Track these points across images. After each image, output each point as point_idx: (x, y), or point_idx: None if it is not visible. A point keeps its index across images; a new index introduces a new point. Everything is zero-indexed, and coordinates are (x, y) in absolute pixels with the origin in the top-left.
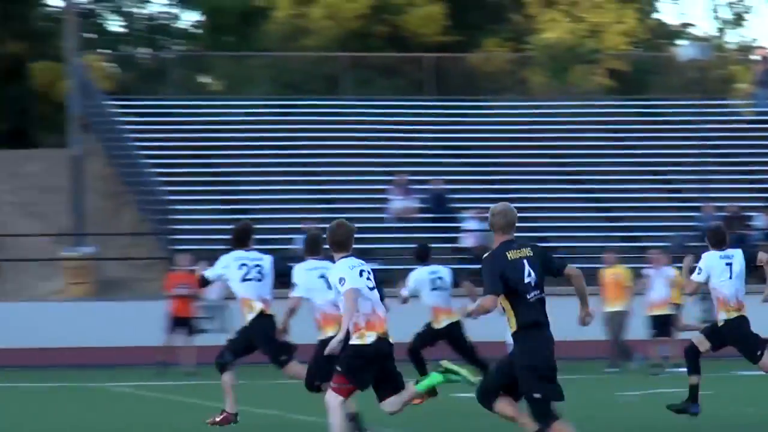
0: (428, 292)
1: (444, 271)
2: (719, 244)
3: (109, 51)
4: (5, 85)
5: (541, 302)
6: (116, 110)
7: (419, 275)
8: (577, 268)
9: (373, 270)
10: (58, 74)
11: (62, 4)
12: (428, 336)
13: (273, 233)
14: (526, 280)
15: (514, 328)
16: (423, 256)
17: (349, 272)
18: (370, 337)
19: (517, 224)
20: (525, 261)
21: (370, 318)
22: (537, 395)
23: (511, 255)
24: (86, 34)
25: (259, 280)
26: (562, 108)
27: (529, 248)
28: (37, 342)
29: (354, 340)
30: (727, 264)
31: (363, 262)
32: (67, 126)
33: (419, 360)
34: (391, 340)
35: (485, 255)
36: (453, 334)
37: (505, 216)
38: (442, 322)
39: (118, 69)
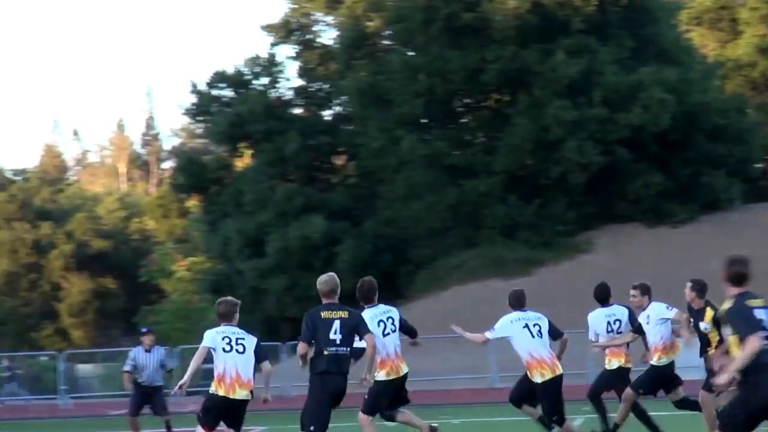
0: (605, 334)
1: (621, 312)
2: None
3: None
4: None
5: (340, 356)
6: None
7: (597, 316)
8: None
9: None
10: None
11: None
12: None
13: None
14: (331, 337)
15: (311, 373)
16: (602, 299)
17: (212, 336)
18: (215, 389)
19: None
20: (337, 321)
21: (221, 375)
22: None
23: (325, 315)
24: None
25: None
26: None
27: (346, 312)
28: None
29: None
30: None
31: (240, 331)
32: None
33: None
34: (239, 397)
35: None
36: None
37: (327, 284)
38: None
39: None
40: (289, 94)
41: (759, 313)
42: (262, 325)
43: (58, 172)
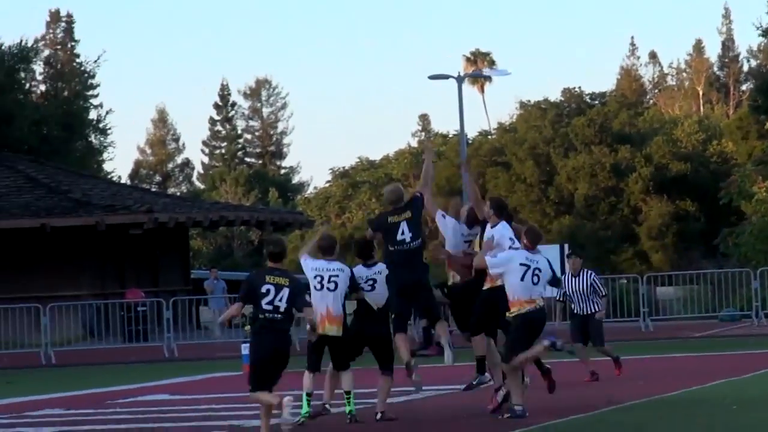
0: None
1: None
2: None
3: None
4: None
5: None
6: None
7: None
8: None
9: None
10: None
11: None
12: None
13: None
14: (399, 238)
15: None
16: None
17: (308, 270)
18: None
19: None
20: (403, 222)
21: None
22: None
23: (392, 219)
24: None
25: None
26: None
27: (409, 212)
28: None
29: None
30: (522, 264)
31: (337, 266)
32: None
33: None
34: (330, 333)
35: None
36: None
37: (393, 193)
38: None
39: None
40: None
41: (267, 288)
42: None
43: (636, 95)
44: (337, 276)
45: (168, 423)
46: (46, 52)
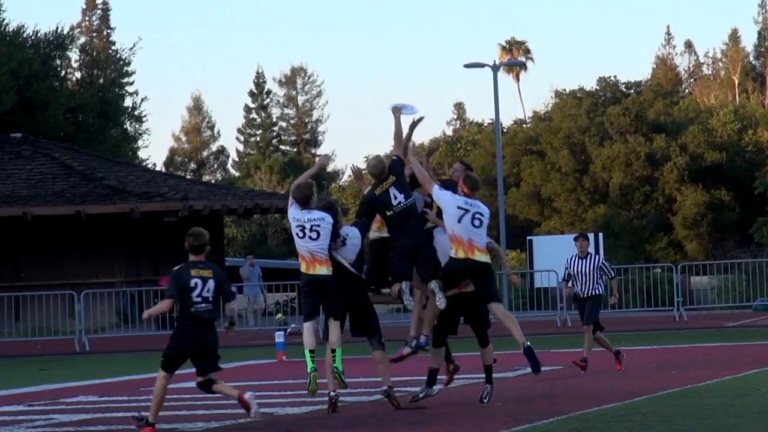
0: None
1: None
2: None
3: None
4: None
5: (404, 211)
6: None
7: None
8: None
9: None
10: None
11: None
12: None
13: None
14: (393, 203)
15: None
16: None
17: (291, 220)
18: (302, 269)
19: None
20: (391, 187)
21: (302, 255)
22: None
23: (378, 191)
24: None
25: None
26: None
27: (394, 178)
28: None
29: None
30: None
31: (317, 216)
32: None
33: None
34: (319, 272)
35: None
36: None
37: (376, 167)
38: None
39: None
40: None
41: (194, 282)
42: None
43: (671, 84)
44: (319, 225)
45: (201, 411)
46: (82, 40)
